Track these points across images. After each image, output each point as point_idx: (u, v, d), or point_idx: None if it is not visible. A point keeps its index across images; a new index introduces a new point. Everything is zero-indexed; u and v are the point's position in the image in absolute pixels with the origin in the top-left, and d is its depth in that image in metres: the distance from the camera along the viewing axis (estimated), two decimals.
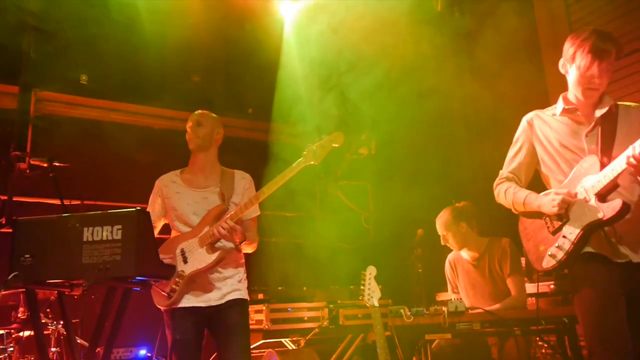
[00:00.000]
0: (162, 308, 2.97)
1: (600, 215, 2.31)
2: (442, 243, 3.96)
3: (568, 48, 2.51)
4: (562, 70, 2.58)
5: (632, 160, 2.21)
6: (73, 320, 4.08)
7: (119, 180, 5.39)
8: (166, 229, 3.17)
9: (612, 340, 2.23)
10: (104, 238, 2.21)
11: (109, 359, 2.50)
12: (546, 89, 4.72)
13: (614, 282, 2.31)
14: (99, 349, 2.50)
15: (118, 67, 5.18)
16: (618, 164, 2.29)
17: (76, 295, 2.42)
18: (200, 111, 3.24)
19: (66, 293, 2.41)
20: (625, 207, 2.26)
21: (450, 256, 4.08)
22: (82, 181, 5.19)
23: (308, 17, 5.54)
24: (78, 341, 3.95)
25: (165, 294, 2.89)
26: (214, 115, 3.25)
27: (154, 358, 4.58)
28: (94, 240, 2.21)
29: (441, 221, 3.95)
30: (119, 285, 2.36)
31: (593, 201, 2.35)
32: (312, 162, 2.97)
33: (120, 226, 2.21)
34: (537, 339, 3.87)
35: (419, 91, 5.27)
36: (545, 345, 3.91)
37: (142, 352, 5.05)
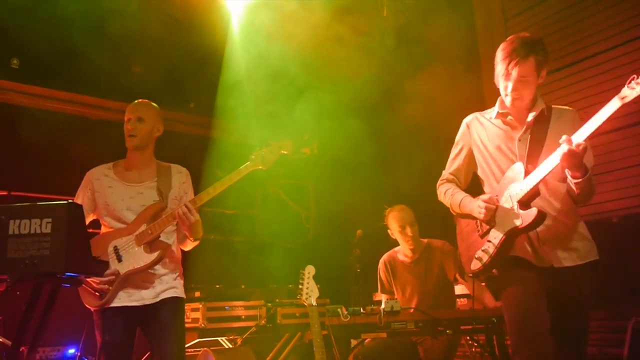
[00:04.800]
0: (91, 308, 2.84)
1: (517, 223, 2.37)
2: (410, 233, 3.93)
3: (496, 56, 2.51)
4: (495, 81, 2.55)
5: (565, 152, 2.21)
6: None
7: (50, 172, 5.13)
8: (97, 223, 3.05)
9: (535, 340, 2.31)
10: (32, 231, 2.08)
11: (34, 358, 2.38)
12: (483, 93, 4.89)
13: (538, 286, 2.38)
14: (23, 348, 2.38)
15: (52, 52, 4.92)
16: (539, 173, 2.34)
17: None
18: (141, 101, 3.04)
19: None
20: (540, 216, 2.32)
21: (385, 256, 4.14)
22: (10, 171, 4.94)
23: (255, 12, 5.49)
24: (0, 340, 3.75)
25: (97, 294, 2.77)
26: (156, 106, 3.07)
27: (81, 357, 4.39)
28: (20, 234, 2.09)
29: (409, 213, 3.99)
30: (47, 281, 2.25)
31: (516, 208, 2.40)
32: (260, 167, 2.95)
33: (49, 219, 2.09)
34: (468, 338, 4.00)
35: (362, 93, 5.34)
36: (475, 344, 4.05)
37: (71, 351, 4.84)
